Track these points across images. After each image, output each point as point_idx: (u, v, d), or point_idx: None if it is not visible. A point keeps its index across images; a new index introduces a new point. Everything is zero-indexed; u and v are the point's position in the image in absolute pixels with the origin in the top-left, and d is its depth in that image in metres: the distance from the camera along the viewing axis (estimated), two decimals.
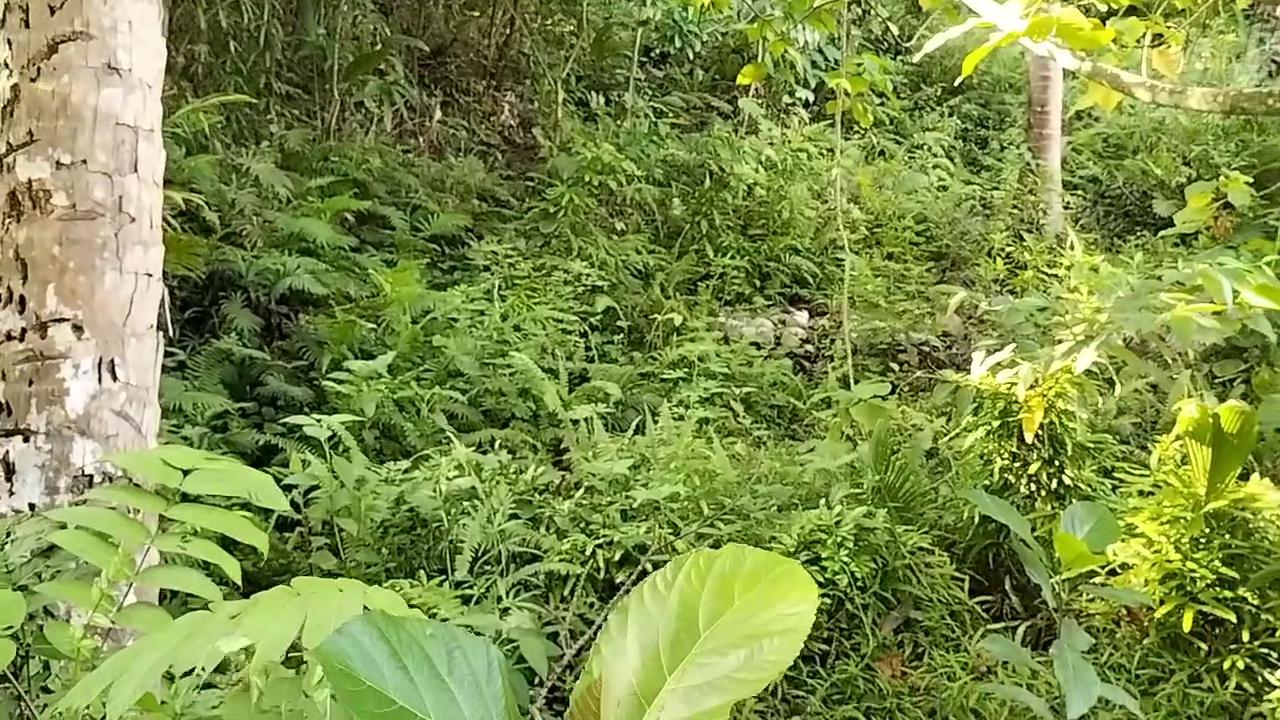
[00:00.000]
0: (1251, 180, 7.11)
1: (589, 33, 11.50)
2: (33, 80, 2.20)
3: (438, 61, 11.43)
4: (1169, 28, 5.38)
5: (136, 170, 2.32)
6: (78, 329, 2.22)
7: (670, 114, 10.99)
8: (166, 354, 6.32)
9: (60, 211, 2.22)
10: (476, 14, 12.10)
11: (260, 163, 7.93)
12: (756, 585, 0.89)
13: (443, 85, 11.29)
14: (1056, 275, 7.30)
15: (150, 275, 2.38)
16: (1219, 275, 3.98)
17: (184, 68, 8.33)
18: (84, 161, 2.23)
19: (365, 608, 1.05)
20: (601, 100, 10.82)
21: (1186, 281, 4.32)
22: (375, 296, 6.96)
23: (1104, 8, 4.86)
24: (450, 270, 8.27)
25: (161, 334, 2.45)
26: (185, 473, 1.78)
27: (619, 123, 10.60)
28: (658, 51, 12.00)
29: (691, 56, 11.63)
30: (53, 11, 2.20)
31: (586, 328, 7.58)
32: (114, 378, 2.27)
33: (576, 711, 0.85)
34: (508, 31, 11.66)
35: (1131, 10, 4.90)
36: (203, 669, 1.43)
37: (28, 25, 2.20)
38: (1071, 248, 5.58)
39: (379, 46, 9.98)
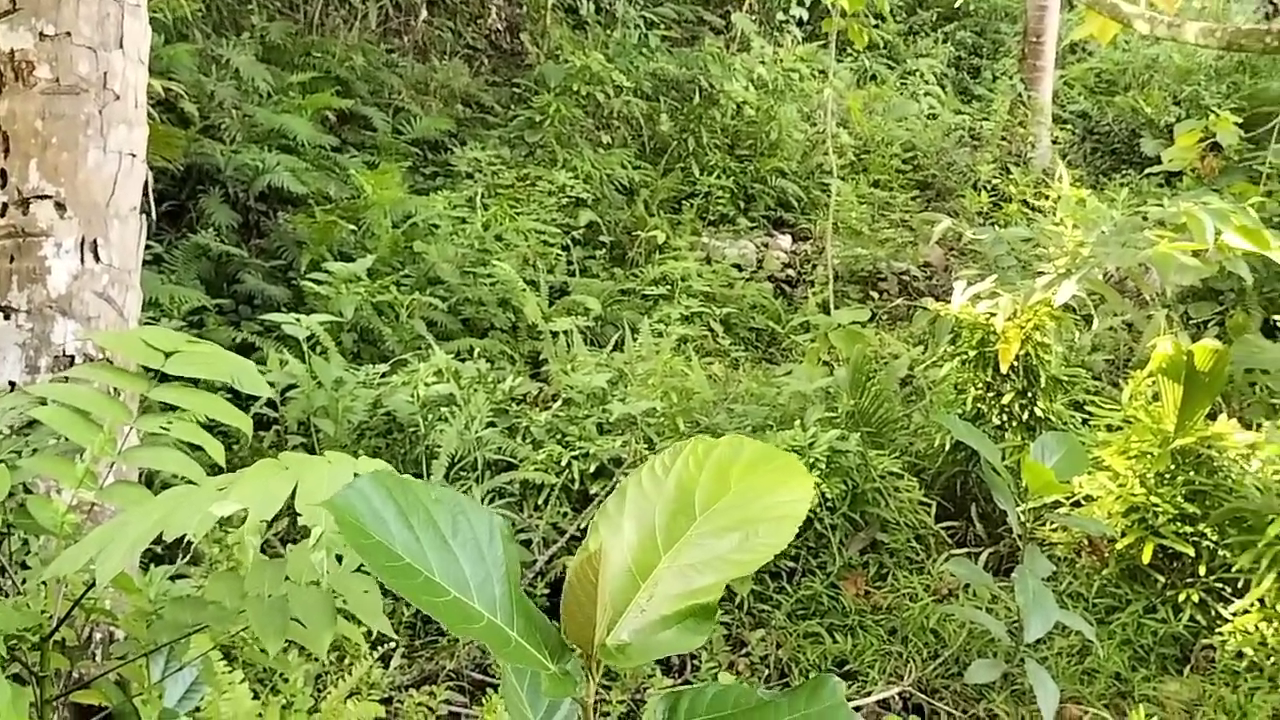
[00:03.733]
0: (1240, 122, 7.12)
1: None
2: None
3: None
4: None
5: (122, 46, 2.26)
6: (60, 206, 2.17)
7: (661, 25, 10.79)
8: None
9: (44, 84, 2.16)
10: None
11: (241, 54, 7.74)
12: (754, 473, 0.90)
13: None
14: (1041, 210, 7.30)
15: (134, 155, 2.33)
16: (1202, 214, 4.00)
17: None
18: (68, 34, 2.16)
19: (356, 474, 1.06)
20: (591, 8, 10.59)
21: (1170, 220, 4.34)
22: (356, 199, 6.86)
23: None
24: (433, 176, 8.16)
25: (144, 217, 2.41)
26: (167, 355, 1.77)
27: (608, 32, 10.39)
28: None
29: None
30: None
31: (569, 241, 7.53)
32: (96, 258, 2.24)
33: (574, 581, 0.86)
34: None
35: None
36: (192, 535, 1.44)
37: None
38: (1060, 180, 5.56)
39: None
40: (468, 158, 7.98)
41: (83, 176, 2.20)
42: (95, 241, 2.22)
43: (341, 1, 9.52)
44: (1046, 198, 6.97)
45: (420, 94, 9.14)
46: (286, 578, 1.64)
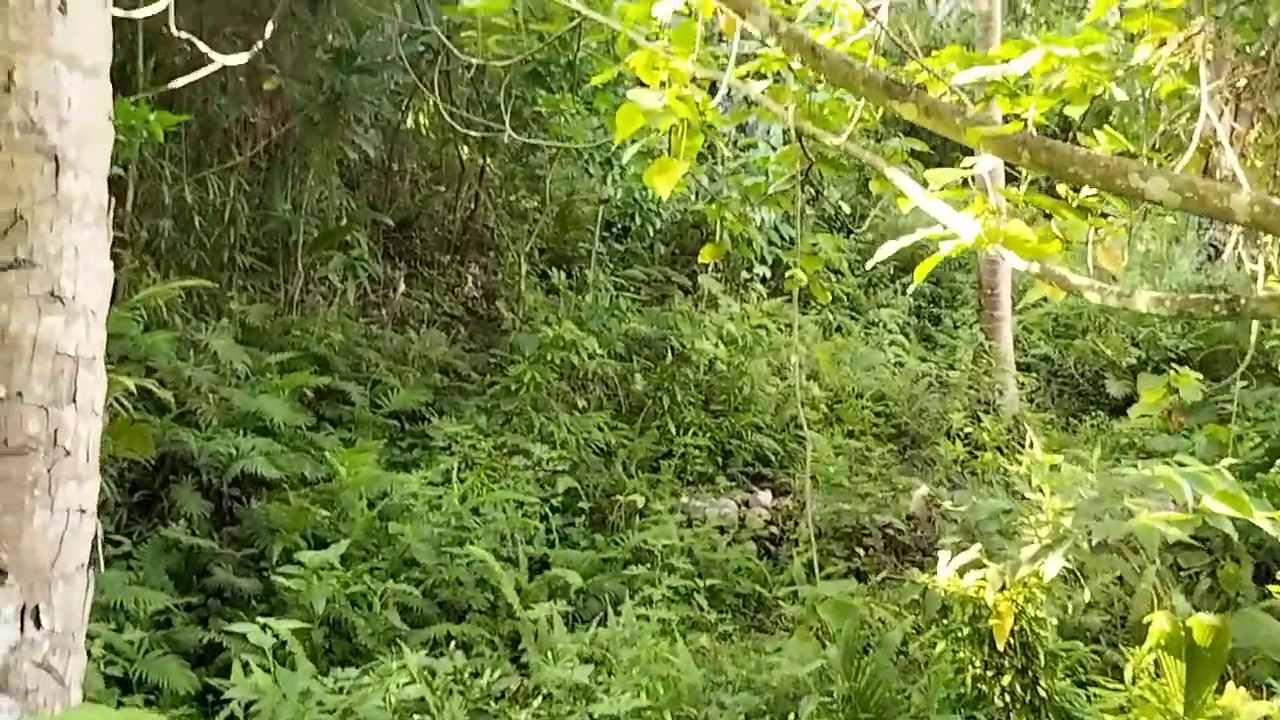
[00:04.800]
0: (1199, 363, 7.30)
1: (552, 208, 11.76)
2: None
3: (403, 234, 11.60)
4: (1110, 222, 5.56)
5: (75, 401, 2.23)
6: (1, 574, 2.07)
7: (631, 288, 11.17)
8: (111, 543, 6.10)
9: None
10: (442, 188, 12.38)
11: (219, 338, 7.86)
12: None
13: (407, 258, 11.43)
14: (1015, 458, 7.32)
15: (84, 511, 2.25)
16: (1180, 478, 3.98)
17: (147, 242, 8.35)
18: (19, 394, 2.14)
19: None
20: (563, 275, 10.98)
21: (1147, 487, 4.31)
22: (331, 480, 6.79)
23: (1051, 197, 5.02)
24: (409, 448, 8.14)
25: (93, 570, 2.30)
26: None
27: (581, 296, 10.73)
28: (619, 225, 12.28)
29: (652, 232, 11.90)
30: None
31: (547, 509, 7.43)
32: (37, 625, 2.11)
33: None
34: (473, 206, 11.90)
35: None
36: None
37: None
38: (1031, 446, 5.60)
39: (344, 221, 10.11)
40: (444, 431, 7.99)
41: (26, 541, 2.11)
42: (37, 607, 2.11)
43: (321, 280, 9.83)
44: (1019, 449, 7.00)
45: (398, 364, 9.28)
46: None
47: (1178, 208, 3.53)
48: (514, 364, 8.92)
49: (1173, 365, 8.52)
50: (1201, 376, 7.00)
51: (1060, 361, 10.05)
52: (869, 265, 4.09)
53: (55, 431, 2.19)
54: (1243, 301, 4.27)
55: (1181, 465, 4.23)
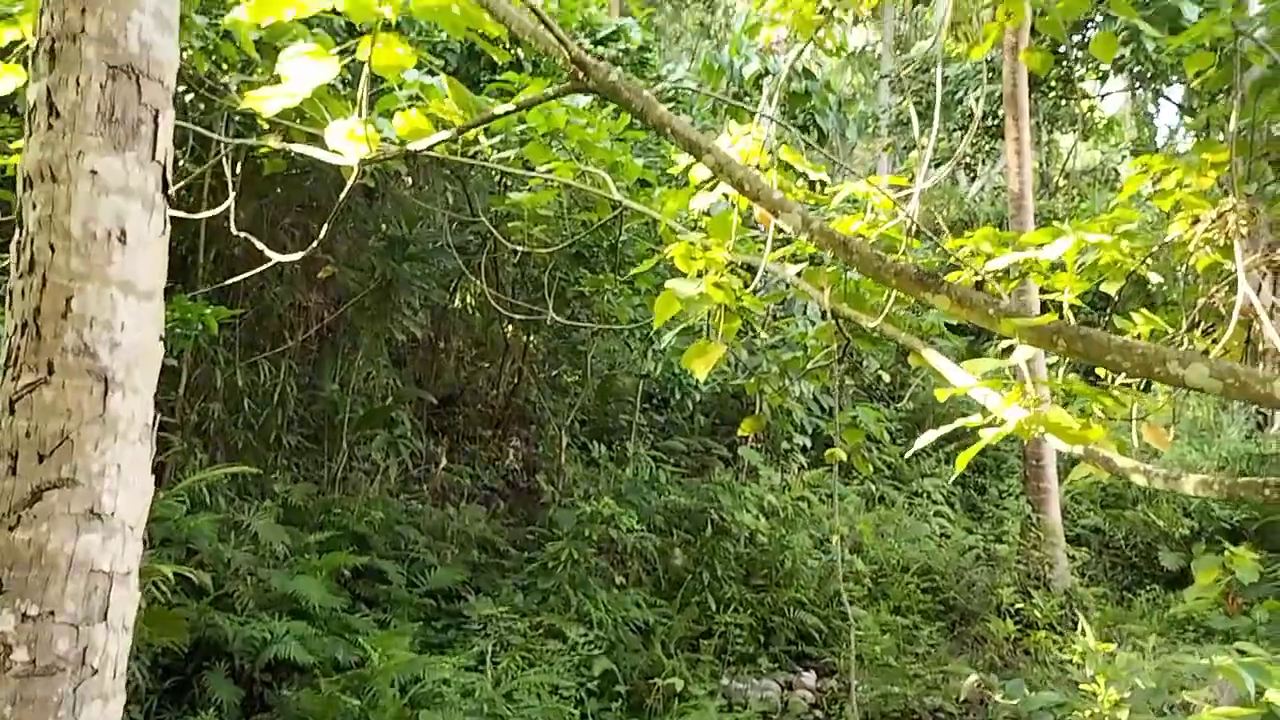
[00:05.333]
0: (1255, 532, 7.05)
1: (593, 381, 11.91)
2: (11, 529, 2.17)
3: (446, 410, 11.76)
4: (1153, 397, 5.50)
5: (106, 618, 2.23)
6: None
7: (671, 460, 11.15)
8: None
9: (19, 668, 2.10)
10: (486, 364, 12.62)
11: (261, 519, 7.91)
12: None
13: (450, 432, 11.55)
14: (1069, 640, 7.05)
15: None
16: (1241, 669, 3.80)
17: (196, 424, 8.54)
18: (51, 613, 2.15)
19: None
20: (603, 448, 11.01)
21: (1206, 676, 4.12)
22: (363, 664, 6.68)
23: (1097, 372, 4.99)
24: (444, 629, 8.02)
25: None
26: None
27: (621, 469, 10.72)
28: (659, 397, 12.38)
29: (691, 405, 11.97)
30: (41, 459, 2.21)
31: (583, 693, 7.23)
32: None
33: None
34: (515, 381, 12.08)
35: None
36: None
37: (14, 473, 2.19)
38: (1083, 633, 5.40)
39: (389, 400, 10.29)
40: (480, 612, 7.88)
41: None
42: None
43: (364, 457, 9.94)
44: (1072, 627, 6.75)
45: (437, 540, 9.25)
46: None
47: (1219, 394, 3.50)
48: (553, 540, 8.86)
49: (1227, 538, 8.27)
50: (1258, 551, 6.78)
51: (1111, 533, 9.78)
52: (908, 454, 4.06)
53: (84, 650, 2.19)
54: None
55: (1243, 653, 4.06)
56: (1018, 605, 8.57)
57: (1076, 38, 12.59)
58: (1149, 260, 5.80)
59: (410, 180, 9.97)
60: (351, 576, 8.22)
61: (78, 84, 2.19)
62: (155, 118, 2.26)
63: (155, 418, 2.46)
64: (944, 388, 4.49)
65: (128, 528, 2.34)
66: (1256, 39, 5.08)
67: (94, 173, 2.21)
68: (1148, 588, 8.74)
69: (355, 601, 7.94)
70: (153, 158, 2.27)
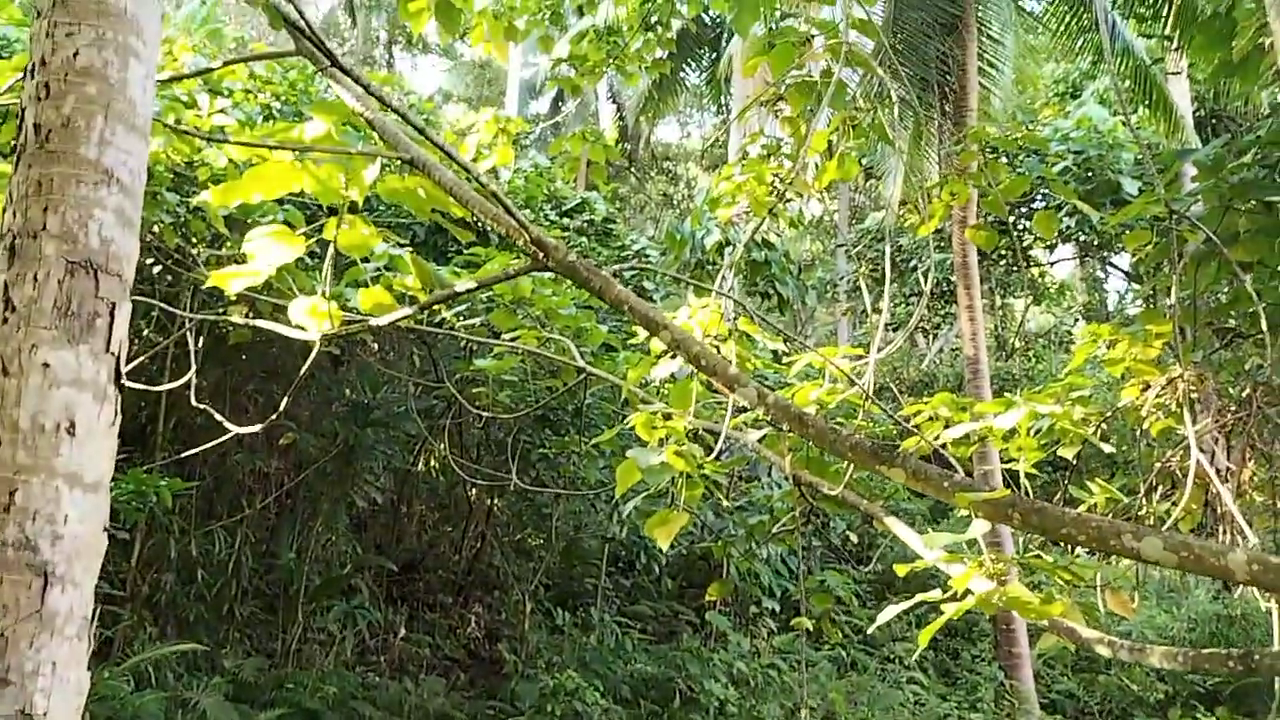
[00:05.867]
0: (1230, 696, 6.94)
1: (558, 545, 11.74)
2: None
3: (407, 576, 11.50)
4: (1116, 563, 5.49)
5: None
6: None
7: (637, 625, 10.91)
8: None
9: None
10: (449, 529, 12.43)
11: (210, 696, 7.59)
12: None
13: (410, 600, 11.26)
14: None
15: None
16: None
17: (147, 597, 8.27)
18: None
19: None
20: (568, 614, 10.76)
21: None
22: None
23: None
24: None
25: None
26: None
27: (586, 636, 10.45)
28: (625, 560, 12.20)
29: (658, 568, 11.80)
30: None
31: None
32: None
33: None
34: (479, 545, 11.89)
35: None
36: None
37: None
38: None
39: (348, 568, 10.07)
40: None
41: None
42: None
43: (319, 629, 9.64)
44: None
45: (393, 716, 8.88)
46: None
47: (1175, 567, 3.51)
48: (515, 715, 8.54)
49: (1202, 702, 8.13)
50: (1234, 716, 6.67)
51: (1085, 699, 9.60)
52: (871, 629, 4.01)
53: None
54: (1256, 658, 4.15)
55: None
56: None
57: (1023, 209, 13.16)
58: (1104, 425, 5.90)
59: (376, 346, 10.05)
60: None
61: (35, 279, 2.22)
62: (111, 310, 2.29)
63: (95, 610, 2.40)
64: (910, 554, 4.47)
65: None
66: (1190, 217, 5.34)
67: (46, 365, 2.22)
68: None
69: None
70: (107, 350, 2.29)
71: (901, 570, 3.85)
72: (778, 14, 6.25)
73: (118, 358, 2.32)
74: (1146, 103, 11.36)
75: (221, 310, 5.94)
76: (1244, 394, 6.19)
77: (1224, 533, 6.38)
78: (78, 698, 2.34)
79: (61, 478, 2.26)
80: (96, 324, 2.26)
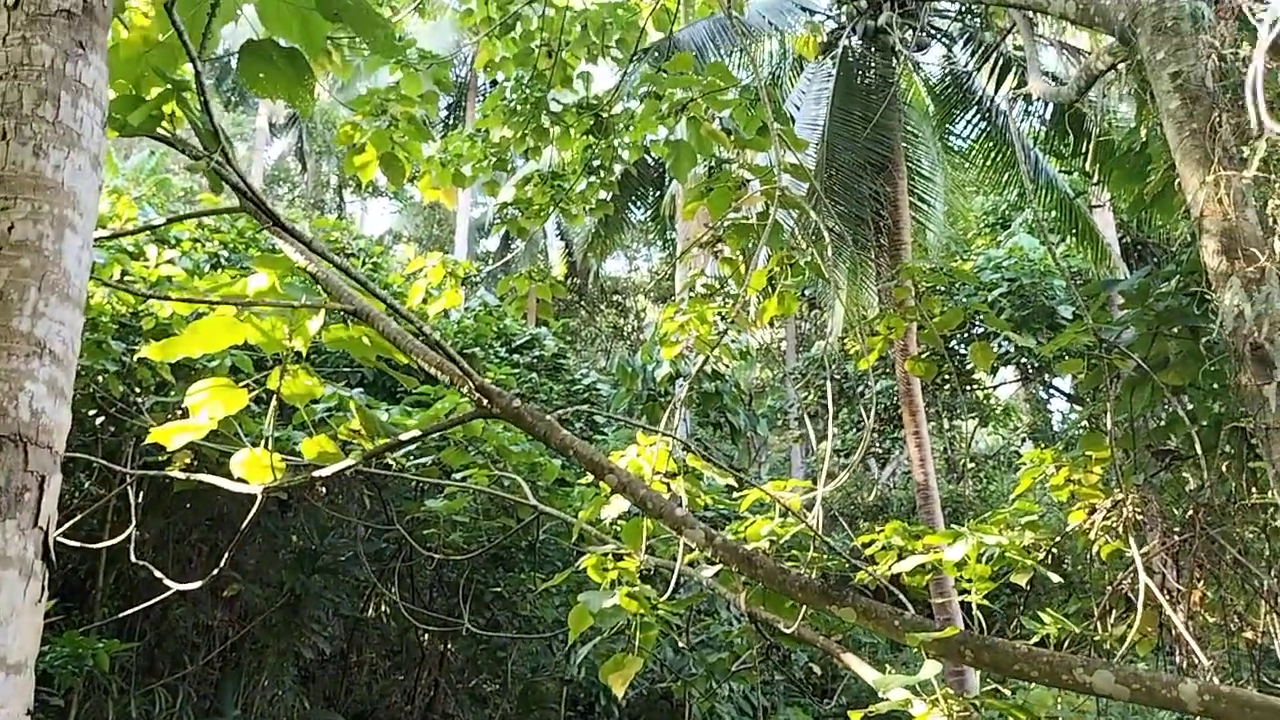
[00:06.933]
0: None
1: (515, 688, 11.39)
2: None
3: None
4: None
5: None
6: None
7: None
8: None
9: None
10: (401, 676, 12.02)
11: None
12: None
13: None
14: None
15: None
16: None
17: None
18: None
19: None
20: None
21: None
22: None
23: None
24: None
25: None
26: None
27: None
28: (584, 703, 11.84)
29: (618, 710, 11.46)
30: None
31: None
32: None
33: None
34: (432, 693, 11.49)
35: None
36: None
37: None
38: None
39: None
40: None
41: None
42: None
43: None
44: None
45: None
46: None
47: (1128, 700, 3.49)
48: None
49: None
50: None
51: None
52: None
53: None
54: None
55: None
56: None
57: (964, 335, 13.50)
58: (1054, 550, 5.92)
59: (324, 490, 9.89)
60: None
61: None
62: (41, 484, 2.25)
63: None
64: (873, 686, 4.40)
65: None
66: (1119, 345, 5.50)
67: None
68: None
69: None
70: (34, 524, 2.24)
71: (856, 717, 3.78)
72: (714, 160, 6.49)
73: (46, 532, 2.27)
74: (1074, 232, 11.82)
75: (164, 461, 5.84)
76: (1187, 515, 6.27)
77: (1180, 654, 6.37)
78: None
79: None
80: (25, 498, 2.22)
